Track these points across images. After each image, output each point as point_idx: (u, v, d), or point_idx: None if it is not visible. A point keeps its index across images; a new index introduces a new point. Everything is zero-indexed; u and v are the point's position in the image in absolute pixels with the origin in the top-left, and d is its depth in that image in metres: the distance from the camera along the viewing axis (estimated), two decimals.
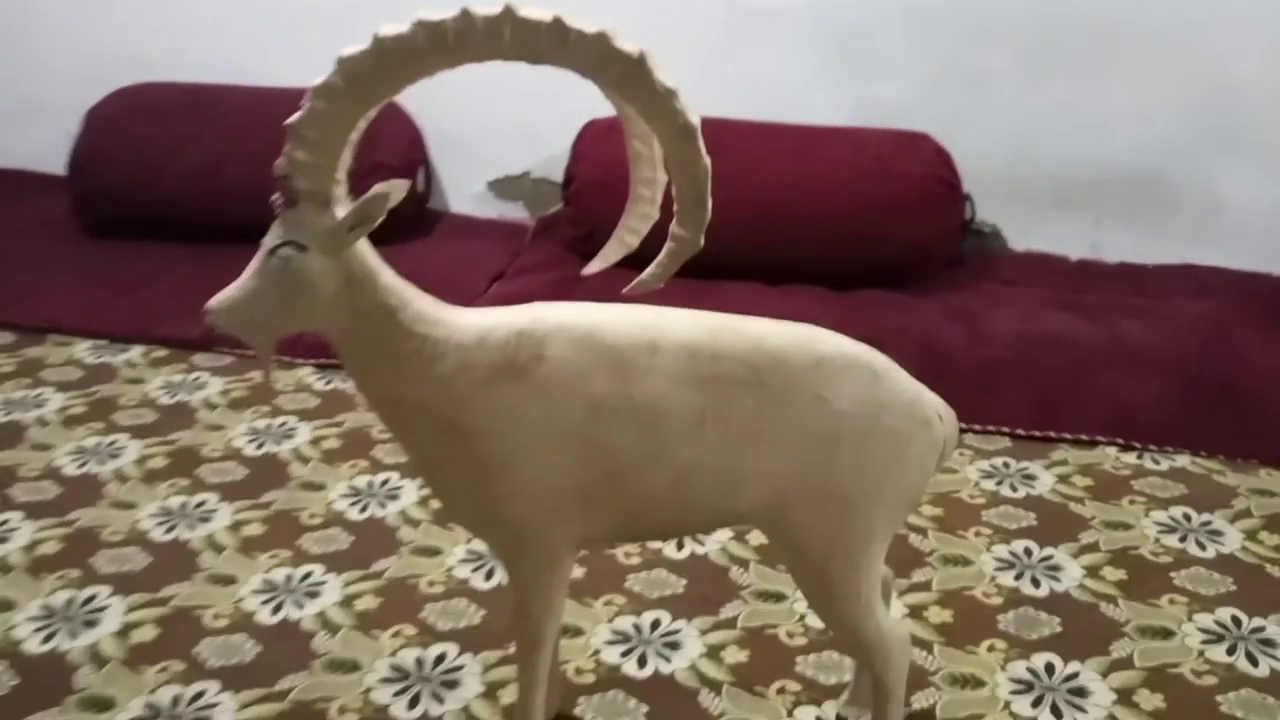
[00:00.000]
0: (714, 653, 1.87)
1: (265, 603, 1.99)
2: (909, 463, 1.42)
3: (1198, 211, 3.46)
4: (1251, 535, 2.22)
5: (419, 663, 1.85)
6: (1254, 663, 1.87)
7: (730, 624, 1.95)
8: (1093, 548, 2.18)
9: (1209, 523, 2.26)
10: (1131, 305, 3.12)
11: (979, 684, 1.81)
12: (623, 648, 1.89)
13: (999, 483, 2.40)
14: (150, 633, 1.91)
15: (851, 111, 3.53)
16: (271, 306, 1.35)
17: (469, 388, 1.38)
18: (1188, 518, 2.28)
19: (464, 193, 3.94)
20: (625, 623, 1.95)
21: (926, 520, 2.25)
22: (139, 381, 2.80)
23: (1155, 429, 2.58)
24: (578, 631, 1.91)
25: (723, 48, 3.58)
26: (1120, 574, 2.10)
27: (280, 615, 1.96)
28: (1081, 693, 1.80)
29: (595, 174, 3.28)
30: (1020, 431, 2.59)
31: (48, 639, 1.89)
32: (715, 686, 1.80)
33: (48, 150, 3.85)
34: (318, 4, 3.68)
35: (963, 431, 2.53)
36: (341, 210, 1.34)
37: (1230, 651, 1.90)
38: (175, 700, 1.76)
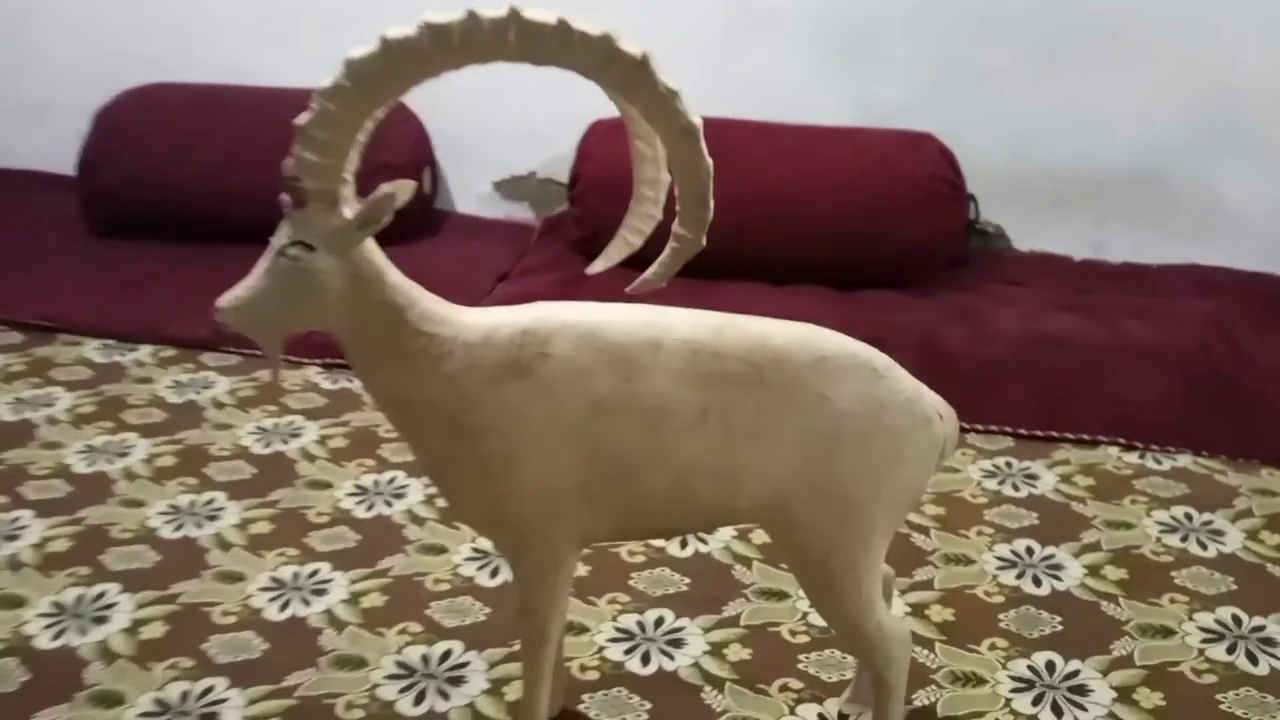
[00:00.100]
0: (717, 650, 1.89)
1: (273, 600, 2.01)
2: (909, 461, 1.43)
3: (1201, 211, 3.46)
4: (1253, 535, 2.23)
5: (425, 660, 1.87)
6: (1254, 661, 1.88)
7: (733, 622, 1.96)
8: (1094, 547, 2.19)
9: (1210, 522, 2.27)
10: (1134, 305, 3.13)
11: (980, 682, 1.83)
12: (626, 645, 1.90)
13: (1001, 482, 2.41)
14: (159, 629, 1.93)
15: (854, 111, 3.54)
16: (280, 305, 1.37)
17: (475, 386, 1.39)
18: (1189, 517, 2.29)
19: (470, 193, 3.96)
20: (629, 620, 1.96)
21: (929, 519, 2.26)
22: (148, 381, 2.83)
23: (1157, 429, 2.59)
24: (582, 629, 1.93)
25: (725, 47, 3.60)
26: (1121, 573, 2.11)
27: (288, 612, 1.98)
28: (1082, 691, 1.81)
29: (600, 174, 3.30)
30: (1022, 431, 2.60)
31: (58, 635, 1.91)
32: (718, 684, 1.82)
33: (56, 149, 3.87)
34: (323, 5, 3.70)
35: (965, 431, 2.57)
36: (349, 210, 1.35)
37: (1230, 650, 1.91)
38: (184, 696, 1.78)
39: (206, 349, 2.96)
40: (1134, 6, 3.33)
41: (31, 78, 4.09)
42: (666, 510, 1.45)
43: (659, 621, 1.96)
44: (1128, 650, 1.90)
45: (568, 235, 3.51)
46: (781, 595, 2.02)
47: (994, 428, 2.61)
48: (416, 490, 2.35)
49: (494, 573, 2.09)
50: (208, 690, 1.79)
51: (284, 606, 1.99)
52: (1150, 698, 1.80)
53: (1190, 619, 1.99)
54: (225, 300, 1.37)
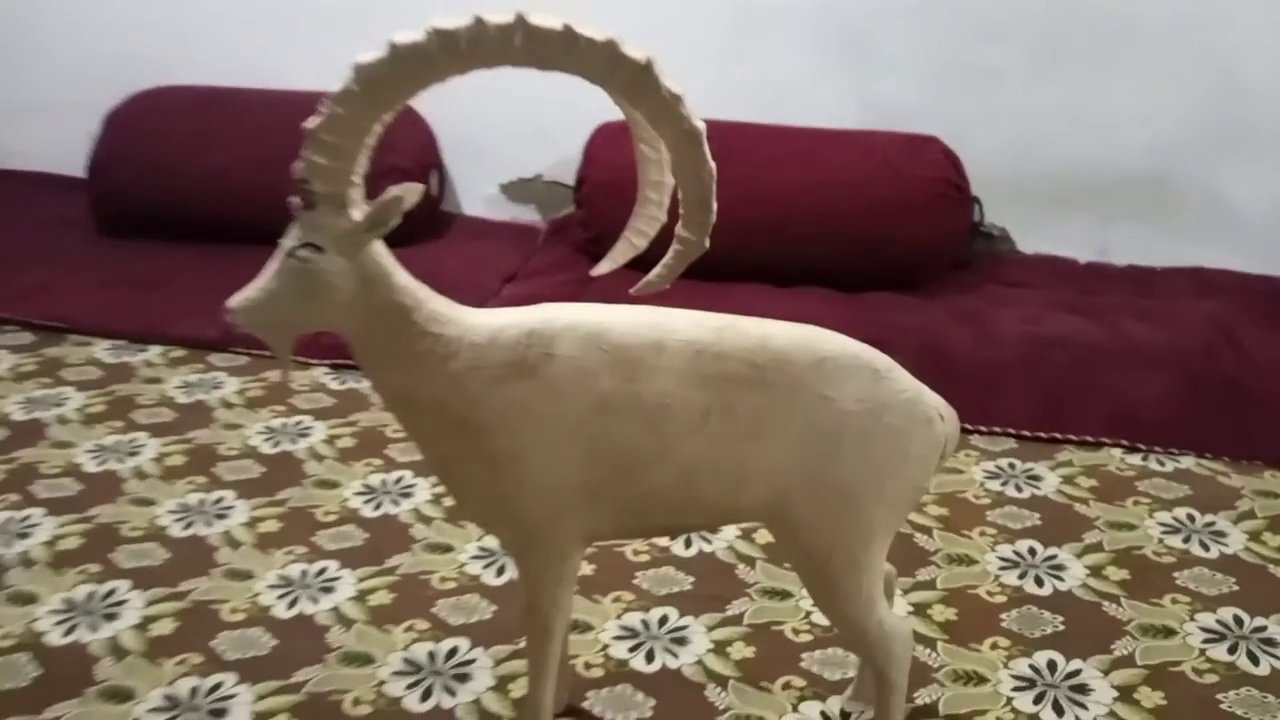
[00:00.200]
0: (720, 648, 1.90)
1: (281, 597, 2.03)
2: (910, 461, 1.45)
3: (1207, 213, 3.47)
4: (1255, 536, 2.24)
5: (431, 656, 1.89)
6: (1255, 661, 1.89)
7: (737, 620, 1.98)
8: (1096, 548, 2.20)
9: (1212, 524, 2.28)
10: (1138, 307, 3.14)
11: (981, 680, 1.84)
12: (631, 643, 1.92)
13: (1004, 483, 2.43)
14: (169, 626, 1.95)
15: (858, 112, 3.55)
16: (290, 306, 1.39)
17: (481, 385, 1.41)
18: (1191, 519, 2.30)
19: (477, 195, 3.98)
20: (634, 619, 1.98)
21: (932, 520, 2.28)
22: (157, 381, 2.85)
23: (1160, 431, 2.60)
24: (587, 627, 1.95)
25: (731, 49, 3.61)
26: (1123, 574, 2.12)
27: (296, 610, 2.00)
28: (1083, 690, 1.82)
29: (606, 177, 3.31)
30: (1025, 433, 2.61)
31: (69, 631, 1.93)
32: (721, 681, 1.83)
33: (66, 151, 3.90)
34: (331, 8, 3.73)
35: (968, 432, 2.58)
36: (358, 213, 1.37)
37: (1231, 650, 1.92)
38: (193, 692, 1.80)
39: (215, 349, 2.99)
40: (1138, 7, 3.33)
41: (42, 80, 4.12)
42: (669, 508, 1.47)
43: (663, 620, 1.98)
44: (1129, 650, 1.91)
45: (574, 237, 3.53)
46: (785, 594, 2.04)
47: (997, 429, 2.62)
48: (423, 489, 2.37)
49: (500, 571, 2.11)
50: (217, 686, 1.81)
51: (292, 604, 2.01)
52: (1151, 697, 1.81)
53: (1192, 619, 2.00)
54: (236, 301, 1.39)
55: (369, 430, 2.62)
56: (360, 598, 2.03)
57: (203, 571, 2.10)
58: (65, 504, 2.31)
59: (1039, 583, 2.09)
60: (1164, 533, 2.25)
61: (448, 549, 2.18)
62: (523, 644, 1.74)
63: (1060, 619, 1.99)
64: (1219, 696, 1.82)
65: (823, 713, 1.76)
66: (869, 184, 3.28)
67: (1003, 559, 2.16)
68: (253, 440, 2.58)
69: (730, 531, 2.21)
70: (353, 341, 1.45)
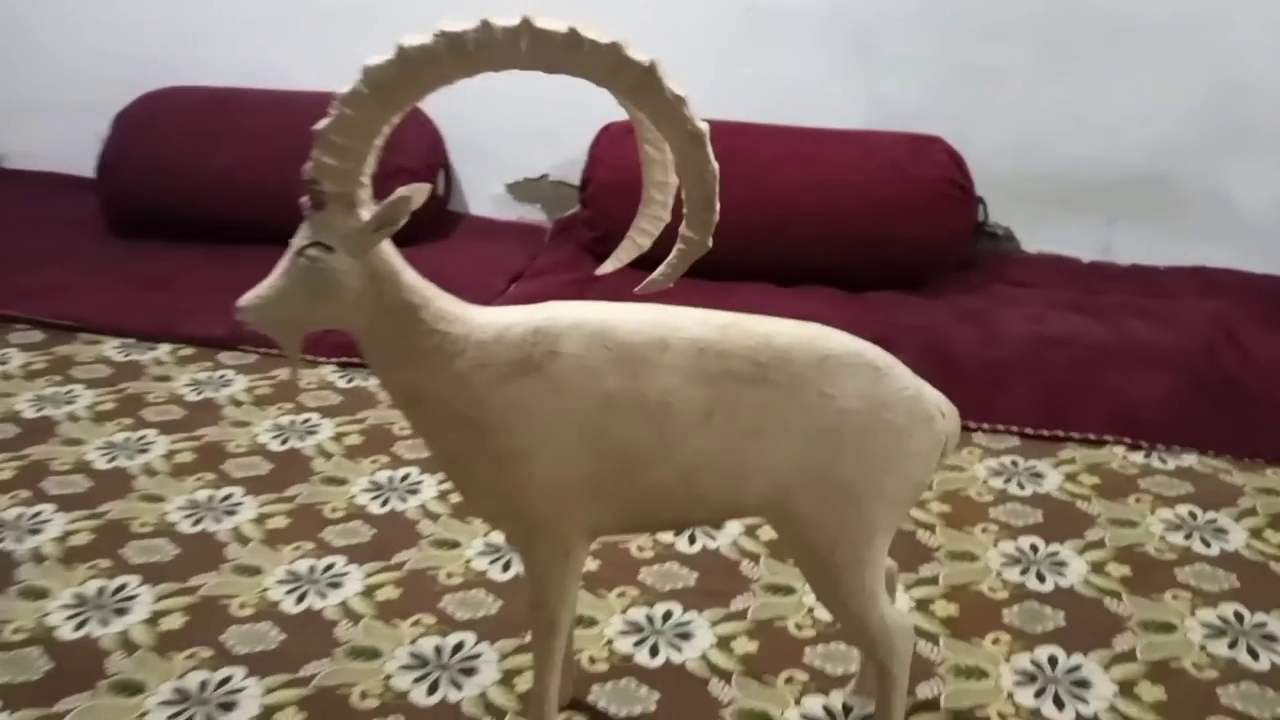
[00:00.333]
0: (724, 643, 1.92)
1: (289, 592, 2.05)
2: (911, 457, 1.46)
3: (1209, 212, 3.48)
4: (1256, 533, 2.26)
5: (438, 651, 1.91)
6: (1255, 657, 1.91)
7: (740, 615, 1.99)
8: (1098, 544, 2.22)
9: (1214, 521, 2.30)
10: (1141, 306, 3.15)
11: (983, 675, 1.86)
12: (635, 638, 1.94)
13: (1007, 480, 2.44)
14: (179, 620, 1.97)
15: (865, 112, 3.57)
16: (299, 304, 1.40)
17: (487, 383, 1.43)
18: (1193, 516, 2.32)
19: (483, 195, 4.00)
20: (638, 614, 2.00)
21: (934, 516, 2.29)
22: (166, 379, 2.88)
23: (1162, 429, 2.61)
24: (592, 622, 1.97)
25: (737, 50, 3.63)
26: (1125, 570, 2.13)
27: (304, 605, 2.02)
28: (1084, 685, 1.84)
29: (611, 177, 3.33)
30: (1028, 430, 2.63)
31: (80, 626, 1.96)
32: (725, 675, 1.85)
33: (76, 151, 3.93)
34: (338, 9, 3.75)
35: (972, 430, 2.60)
36: (366, 213, 1.39)
37: (1232, 646, 1.93)
38: (203, 685, 1.82)
39: (224, 348, 3.01)
40: (1140, 7, 3.34)
41: (51, 81, 4.15)
42: (673, 504, 1.49)
43: (667, 615, 2.00)
44: (1130, 645, 1.93)
45: (579, 237, 3.55)
46: (788, 590, 2.05)
47: (1000, 427, 2.64)
48: (430, 486, 2.39)
49: (505, 566, 2.12)
50: (226, 679, 1.83)
51: (300, 599, 2.04)
52: (1152, 691, 1.82)
53: (1192, 615, 2.01)
54: (246, 299, 1.41)
55: (376, 427, 2.64)
56: (368, 593, 2.05)
57: (212, 567, 2.12)
58: (76, 500, 2.33)
59: (1041, 579, 2.11)
60: (1166, 529, 2.27)
61: (454, 545, 2.20)
62: (528, 638, 1.76)
63: (1061, 614, 2.00)
64: (1219, 691, 1.83)
65: (825, 707, 1.78)
66: (873, 184, 3.29)
67: (1005, 555, 2.18)
68: (261, 437, 2.60)
69: (734, 527, 2.23)
70: (361, 339, 1.47)
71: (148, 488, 2.39)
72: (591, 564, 2.10)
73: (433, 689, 1.82)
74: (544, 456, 1.44)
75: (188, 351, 3.02)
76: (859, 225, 3.26)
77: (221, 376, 2.89)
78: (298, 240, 1.40)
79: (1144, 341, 2.93)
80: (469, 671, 1.86)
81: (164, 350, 3.02)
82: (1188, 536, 2.24)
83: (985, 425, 2.63)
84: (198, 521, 2.27)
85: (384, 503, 2.34)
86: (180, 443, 2.57)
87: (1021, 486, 2.42)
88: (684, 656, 1.89)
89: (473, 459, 1.48)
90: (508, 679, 1.84)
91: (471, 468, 1.50)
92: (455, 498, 2.32)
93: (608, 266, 1.60)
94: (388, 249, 1.43)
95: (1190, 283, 3.37)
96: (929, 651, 1.90)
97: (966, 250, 3.48)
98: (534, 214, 3.98)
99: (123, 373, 2.90)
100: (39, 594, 2.04)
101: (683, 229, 1.40)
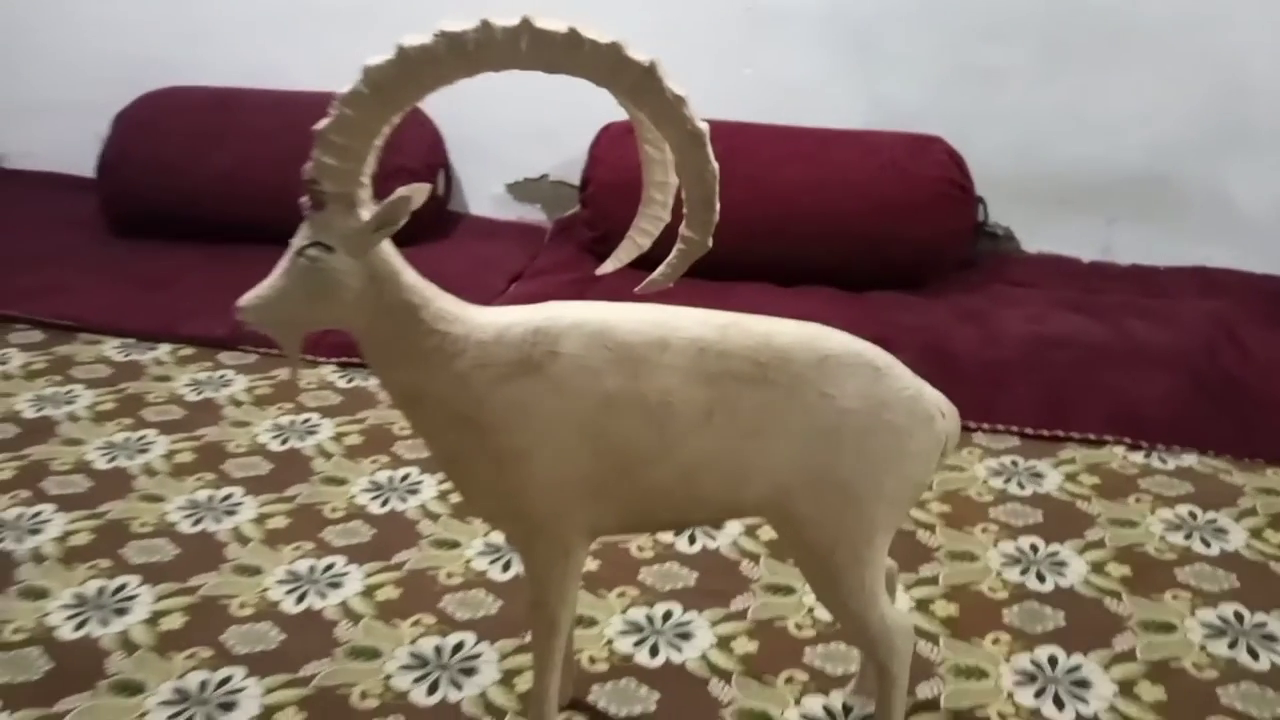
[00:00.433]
0: (724, 643, 1.92)
1: (289, 592, 2.05)
2: (910, 457, 1.46)
3: (1209, 212, 3.48)
4: (1256, 533, 2.26)
5: (438, 651, 1.91)
6: (1255, 656, 1.91)
7: (740, 615, 1.99)
8: (1098, 544, 2.22)
9: (1214, 520, 2.30)
10: (1141, 306, 3.15)
11: (983, 675, 1.86)
12: (635, 638, 1.94)
13: (1007, 480, 2.44)
14: (179, 620, 1.98)
15: (865, 112, 3.57)
16: (299, 304, 1.40)
17: (487, 383, 1.43)
18: (1193, 515, 2.32)
19: (483, 195, 4.00)
20: (638, 614, 2.00)
21: (934, 517, 2.29)
22: (166, 379, 2.88)
23: (1163, 429, 2.61)
24: (592, 622, 1.97)
25: (738, 50, 3.63)
26: (1125, 570, 2.13)
27: (304, 605, 2.02)
28: (1083, 685, 1.84)
29: (611, 177, 3.34)
30: (1029, 430, 2.63)
31: (80, 626, 1.96)
32: (725, 675, 1.85)
33: (76, 151, 3.93)
34: (338, 9, 3.75)
35: (972, 430, 2.60)
36: (366, 213, 1.39)
37: (1232, 645, 1.93)
38: (203, 685, 1.82)
39: (224, 348, 3.02)
40: (1140, 7, 3.35)
41: (51, 81, 4.15)
42: (673, 504, 1.49)
43: (667, 615, 2.00)
44: (1129, 645, 1.93)
45: (579, 237, 3.55)
46: (788, 590, 2.06)
47: (1000, 427, 2.64)
48: (430, 486, 2.39)
49: (505, 566, 2.13)
50: (226, 679, 1.83)
51: (300, 599, 2.04)
52: (1151, 691, 1.82)
53: (1192, 615, 2.01)
54: (246, 299, 1.41)
55: (376, 428, 2.64)
56: (368, 593, 2.05)
57: (212, 567, 2.12)
58: (76, 500, 2.33)
59: (1041, 579, 2.11)
60: (1166, 529, 2.27)
61: (454, 545, 2.20)
62: (528, 638, 1.76)
63: (1061, 614, 2.00)
64: (1219, 691, 1.83)
65: (825, 707, 1.78)
66: (873, 184, 3.29)
67: (1005, 555, 2.18)
68: (261, 437, 2.60)
69: (734, 528, 2.23)
70: (361, 339, 1.47)
71: (148, 488, 2.39)
72: (592, 564, 2.10)
73: (433, 689, 1.82)
74: (544, 456, 1.44)
75: (187, 351, 3.02)
76: (859, 225, 3.26)
77: (221, 376, 2.89)
78: (298, 240, 1.40)
79: (1144, 341, 2.93)
80: (469, 671, 1.86)
81: (164, 350, 3.02)
82: (1188, 536, 2.24)
83: (985, 425, 2.64)
84: (198, 521, 2.27)
85: (384, 503, 2.35)
86: (180, 443, 2.57)
87: (1021, 486, 2.42)
88: (684, 656, 1.89)
89: (473, 459, 1.48)
90: (508, 679, 1.84)
91: (471, 468, 1.50)
92: (455, 498, 2.32)
93: (608, 266, 1.60)
94: (388, 249, 1.43)
95: (1190, 283, 3.37)
96: (929, 651, 1.90)
97: (967, 250, 3.48)
98: (534, 214, 3.98)
99: (123, 373, 2.90)
100: (39, 594, 2.04)
101: (683, 229, 1.40)
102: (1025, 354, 2.88)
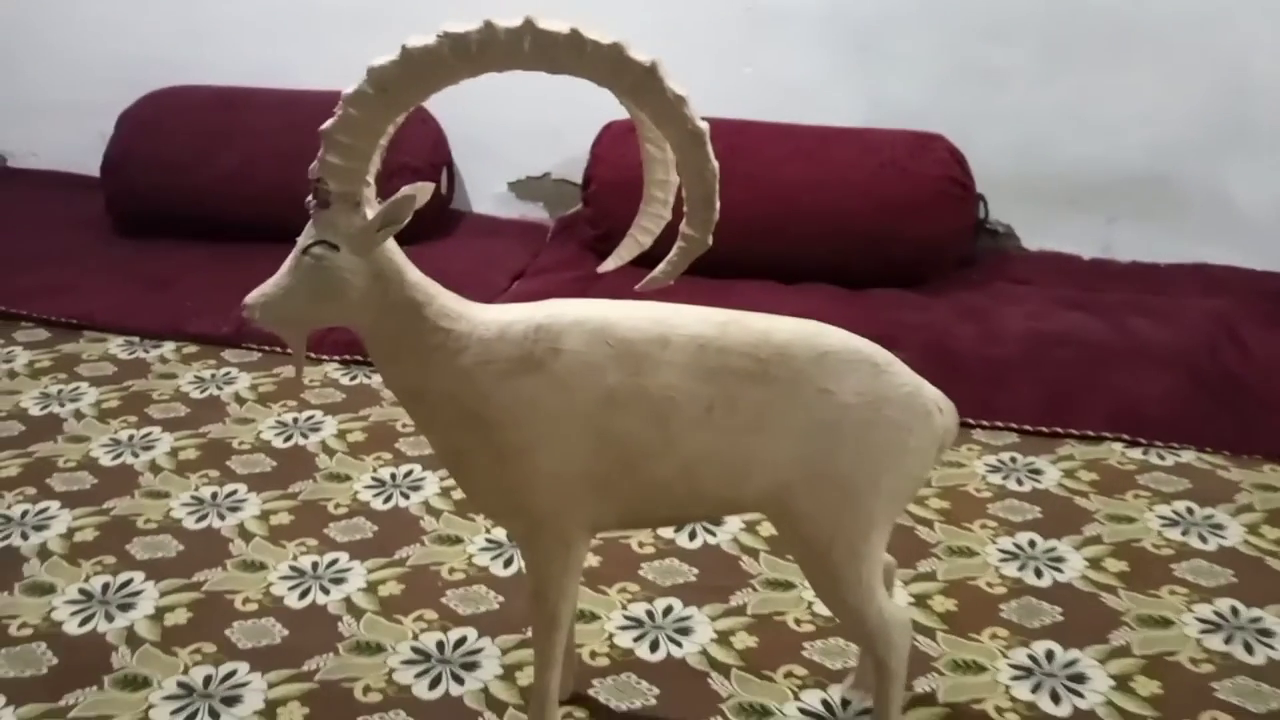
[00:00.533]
0: (724, 638, 1.94)
1: (293, 588, 2.07)
2: (909, 453, 1.48)
3: (1210, 210, 3.48)
4: (1253, 529, 2.27)
5: (440, 646, 1.92)
6: (1250, 651, 1.92)
7: (740, 611, 2.01)
8: (1096, 540, 2.23)
9: (1211, 516, 2.31)
10: (1141, 304, 3.16)
11: (980, 669, 1.87)
12: (636, 633, 1.95)
13: (1005, 477, 2.45)
14: (183, 616, 1.99)
15: (865, 112, 3.57)
16: (305, 302, 1.42)
17: (489, 379, 1.45)
18: (1190, 512, 2.33)
19: (486, 193, 4.01)
20: (638, 609, 2.01)
21: (933, 513, 2.31)
22: (171, 376, 2.89)
23: (1161, 425, 2.62)
24: (593, 617, 1.98)
25: (739, 49, 3.64)
26: (1122, 565, 2.15)
27: (307, 600, 2.04)
28: (1080, 679, 1.85)
29: (613, 175, 3.35)
30: (1028, 427, 2.64)
31: (85, 621, 1.97)
32: (724, 670, 1.86)
33: (81, 151, 3.95)
34: (341, 9, 3.77)
35: (971, 427, 2.61)
36: (370, 211, 1.41)
37: (1228, 640, 1.94)
38: (207, 680, 1.84)
39: (228, 346, 3.03)
40: (1142, 7, 3.35)
41: (55, 81, 4.16)
42: (673, 499, 1.50)
43: (668, 610, 2.01)
44: (1126, 640, 1.94)
45: (581, 235, 3.57)
46: (788, 585, 2.07)
47: (1000, 424, 2.65)
48: (432, 483, 2.41)
49: (507, 562, 2.14)
50: (230, 674, 1.85)
51: (304, 594, 2.05)
52: (1147, 685, 1.84)
53: (1189, 610, 2.02)
54: (252, 297, 1.43)
55: (379, 425, 2.65)
56: (371, 588, 2.07)
57: (216, 563, 2.14)
58: (81, 497, 2.35)
59: (1038, 574, 2.12)
60: (1163, 525, 2.28)
61: (457, 541, 2.22)
62: (529, 633, 1.77)
63: (1059, 609, 2.02)
64: (1214, 685, 1.84)
65: (824, 701, 1.80)
66: (874, 182, 3.30)
67: (1003, 551, 2.19)
68: (265, 434, 2.62)
69: (734, 524, 2.24)
70: (365, 337, 1.48)
71: (152, 484, 2.41)
72: (593, 559, 2.11)
73: (435, 683, 1.83)
74: (546, 453, 1.46)
75: (192, 349, 3.03)
76: (860, 223, 3.27)
77: (226, 374, 2.90)
78: (303, 239, 1.42)
79: (1144, 339, 2.93)
80: (471, 666, 1.87)
81: (168, 348, 3.04)
82: (1185, 532, 2.26)
83: (985, 422, 2.65)
84: (202, 518, 2.29)
85: (387, 499, 2.36)
86: (185, 440, 2.59)
87: (1020, 483, 2.43)
88: (684, 651, 1.91)
89: (476, 454, 1.50)
90: (509, 673, 1.85)
91: (474, 463, 1.51)
92: (458, 494, 2.33)
93: (609, 264, 1.62)
94: (392, 247, 1.45)
95: (1191, 281, 3.37)
96: (927, 646, 1.91)
97: (967, 248, 3.49)
98: (536, 212, 3.99)
99: (127, 370, 2.92)
100: (45, 589, 2.06)
101: (683, 227, 1.42)
102: (1025, 351, 2.89)
